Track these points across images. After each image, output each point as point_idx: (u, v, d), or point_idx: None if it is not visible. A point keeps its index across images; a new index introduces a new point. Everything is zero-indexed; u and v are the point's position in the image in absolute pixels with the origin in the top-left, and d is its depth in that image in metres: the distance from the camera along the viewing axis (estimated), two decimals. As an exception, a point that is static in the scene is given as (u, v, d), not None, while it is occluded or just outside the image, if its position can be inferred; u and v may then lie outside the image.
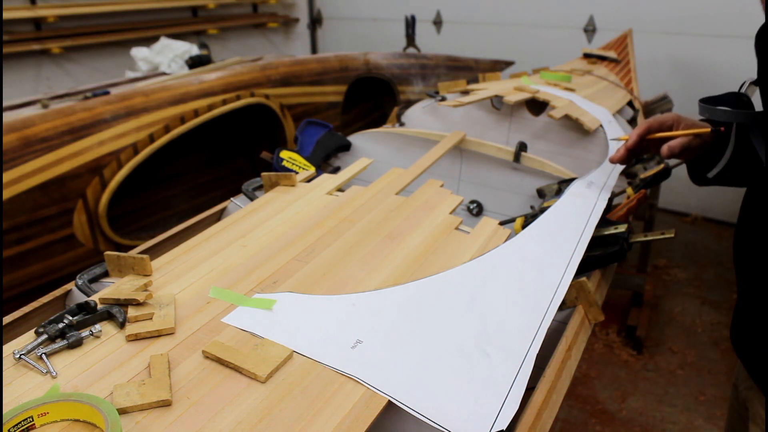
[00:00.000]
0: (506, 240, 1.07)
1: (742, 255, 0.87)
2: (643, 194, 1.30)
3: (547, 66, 2.62)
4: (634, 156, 1.15)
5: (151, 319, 0.80)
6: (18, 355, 0.72)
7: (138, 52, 3.10)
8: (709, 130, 1.02)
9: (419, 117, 1.91)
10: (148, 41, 3.26)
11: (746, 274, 0.85)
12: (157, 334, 0.78)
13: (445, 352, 0.77)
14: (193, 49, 3.10)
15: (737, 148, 0.93)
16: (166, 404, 0.66)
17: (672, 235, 1.12)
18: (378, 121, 2.70)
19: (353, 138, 1.76)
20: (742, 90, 0.90)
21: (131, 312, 0.81)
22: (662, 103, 2.75)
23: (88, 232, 1.91)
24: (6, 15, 3.23)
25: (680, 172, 1.28)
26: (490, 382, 0.72)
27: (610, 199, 1.24)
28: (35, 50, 3.36)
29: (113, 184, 1.91)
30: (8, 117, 1.88)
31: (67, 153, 1.82)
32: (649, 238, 1.18)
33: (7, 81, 3.23)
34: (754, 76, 0.87)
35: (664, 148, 1.05)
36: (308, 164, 1.59)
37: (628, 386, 2.32)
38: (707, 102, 0.90)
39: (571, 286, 0.94)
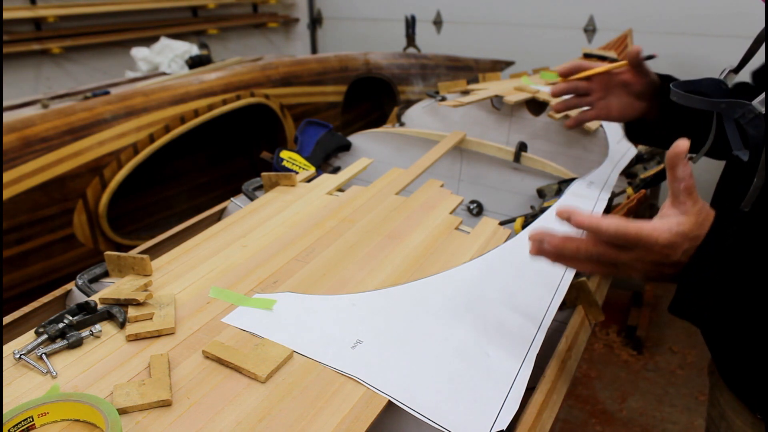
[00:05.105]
0: (506, 240, 1.07)
1: None
2: (643, 194, 1.30)
3: (547, 66, 2.62)
4: (572, 91, 1.19)
5: (151, 319, 0.80)
6: (18, 355, 0.72)
7: (138, 52, 3.10)
8: (626, 63, 1.09)
9: (419, 117, 1.91)
10: (148, 41, 3.25)
11: None
12: (157, 334, 0.78)
13: (445, 352, 0.77)
14: (193, 49, 3.10)
15: (719, 133, 0.94)
16: (166, 404, 0.66)
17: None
18: (378, 121, 2.70)
19: (353, 138, 1.76)
20: (721, 77, 0.90)
21: (131, 312, 0.81)
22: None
23: (88, 232, 1.90)
24: (6, 15, 3.23)
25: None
26: (490, 382, 0.72)
27: (610, 199, 1.24)
28: (35, 50, 3.35)
29: (113, 184, 1.91)
30: (8, 117, 1.88)
31: (67, 153, 1.81)
32: (649, 238, 1.18)
33: (7, 81, 3.22)
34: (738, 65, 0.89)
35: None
36: (308, 164, 1.59)
37: (628, 386, 2.32)
38: (683, 87, 0.91)
39: (571, 286, 0.94)
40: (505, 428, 0.66)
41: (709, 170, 1.14)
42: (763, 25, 0.84)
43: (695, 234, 0.66)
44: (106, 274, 0.94)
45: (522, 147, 1.55)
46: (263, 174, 1.31)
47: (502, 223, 1.15)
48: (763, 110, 0.75)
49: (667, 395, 2.27)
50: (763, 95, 0.75)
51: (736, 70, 0.89)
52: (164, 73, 2.92)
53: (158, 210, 2.48)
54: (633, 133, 1.21)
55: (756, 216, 0.74)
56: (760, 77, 0.88)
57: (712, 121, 0.97)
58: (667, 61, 3.53)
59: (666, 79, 1.09)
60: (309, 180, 1.34)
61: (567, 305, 0.97)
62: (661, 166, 1.39)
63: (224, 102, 2.28)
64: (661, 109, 1.10)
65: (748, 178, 0.76)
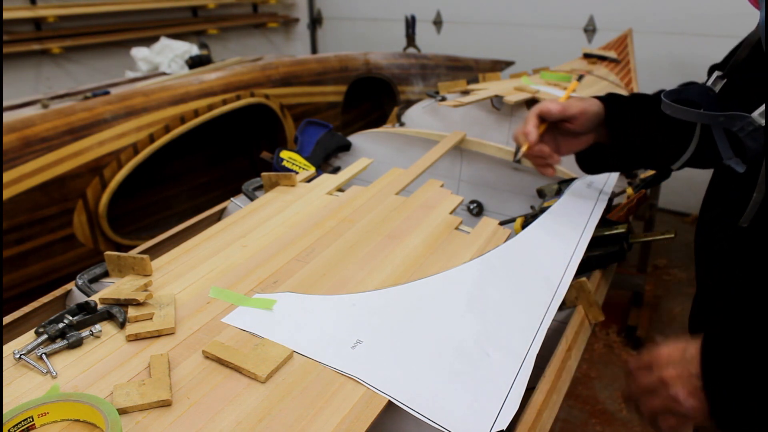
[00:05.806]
0: (506, 240, 1.07)
1: (701, 246, 0.89)
2: (643, 194, 1.30)
3: (547, 66, 2.62)
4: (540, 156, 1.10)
5: (151, 319, 0.80)
6: (18, 355, 0.72)
7: (138, 52, 3.10)
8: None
9: (419, 117, 1.91)
10: (148, 41, 3.26)
11: (703, 264, 0.88)
12: (157, 334, 0.78)
13: (445, 352, 0.77)
14: (193, 49, 3.10)
15: (701, 141, 0.93)
16: (166, 404, 0.66)
17: (672, 236, 1.13)
18: (378, 121, 2.70)
19: (353, 138, 1.76)
20: (709, 83, 0.89)
21: (131, 312, 0.81)
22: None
23: (88, 232, 1.90)
24: (6, 15, 3.23)
25: (680, 172, 1.28)
26: (490, 382, 0.72)
27: (610, 199, 1.24)
28: (35, 50, 3.36)
29: (113, 184, 1.91)
30: (8, 117, 1.88)
31: (67, 153, 1.81)
32: (649, 238, 1.18)
33: (7, 81, 3.22)
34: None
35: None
36: (308, 164, 1.59)
37: (628, 386, 2.32)
38: (671, 97, 0.89)
39: (571, 286, 0.94)
40: (505, 428, 0.66)
41: (706, 170, 1.13)
42: (752, 27, 0.83)
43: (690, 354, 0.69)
44: (106, 274, 0.94)
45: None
46: (263, 174, 1.31)
47: (502, 223, 1.15)
48: (762, 122, 0.74)
49: (667, 395, 2.27)
50: (762, 107, 0.74)
51: (724, 75, 0.87)
52: (164, 73, 2.92)
53: (158, 210, 2.48)
54: (585, 162, 1.15)
55: (755, 232, 0.74)
56: (732, 71, 0.87)
57: (674, 129, 0.97)
58: (667, 61, 3.54)
59: (611, 102, 1.04)
60: (309, 180, 1.34)
61: (567, 305, 0.97)
62: (661, 166, 1.39)
63: (224, 102, 2.28)
64: (611, 134, 1.06)
65: (742, 187, 0.75)
